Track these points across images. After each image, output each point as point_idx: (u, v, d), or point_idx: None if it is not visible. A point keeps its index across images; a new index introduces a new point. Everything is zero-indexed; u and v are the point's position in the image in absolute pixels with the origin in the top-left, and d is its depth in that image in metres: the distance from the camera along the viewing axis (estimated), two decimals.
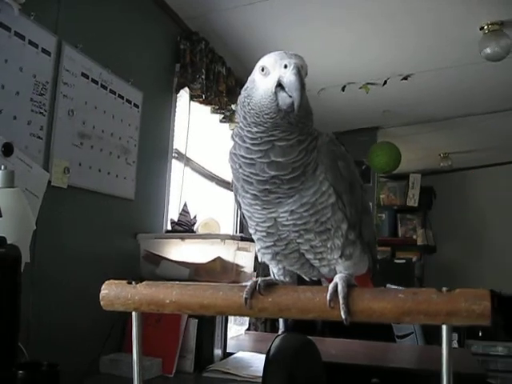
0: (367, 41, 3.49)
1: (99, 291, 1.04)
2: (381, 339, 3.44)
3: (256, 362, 2.51)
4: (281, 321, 3.50)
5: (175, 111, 3.11)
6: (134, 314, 1.00)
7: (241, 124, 1.07)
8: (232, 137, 1.11)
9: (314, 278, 1.23)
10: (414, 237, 6.70)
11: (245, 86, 1.09)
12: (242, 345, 3.06)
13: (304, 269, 1.16)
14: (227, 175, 3.92)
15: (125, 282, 1.00)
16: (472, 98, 4.50)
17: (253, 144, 1.04)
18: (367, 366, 2.58)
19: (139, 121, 2.67)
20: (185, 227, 2.88)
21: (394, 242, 6.62)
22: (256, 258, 2.80)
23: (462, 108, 4.77)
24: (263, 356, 2.52)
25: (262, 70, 1.04)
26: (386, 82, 4.05)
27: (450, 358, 0.81)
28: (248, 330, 3.53)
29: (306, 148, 1.04)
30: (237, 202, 1.18)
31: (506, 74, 3.89)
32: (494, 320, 5.34)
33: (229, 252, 2.61)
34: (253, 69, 1.08)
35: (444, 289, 0.84)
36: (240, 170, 1.07)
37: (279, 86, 1.00)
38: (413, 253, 6.50)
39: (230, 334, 2.91)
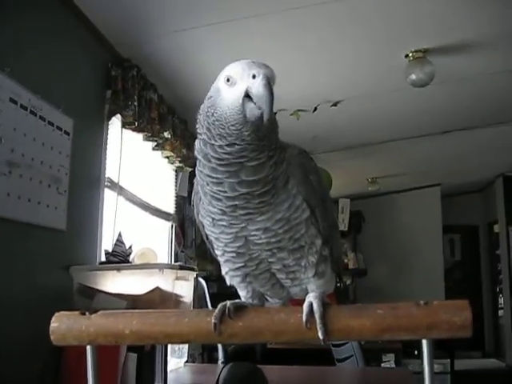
0: (297, 70, 3.54)
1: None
2: (320, 363, 3.42)
3: None
4: (220, 351, 3.41)
5: (107, 139, 3.03)
6: (88, 348, 0.91)
7: (204, 136, 1.02)
8: (195, 153, 1.05)
9: (281, 300, 1.18)
10: (346, 261, 6.80)
11: (208, 95, 1.04)
12: (182, 377, 2.95)
13: (274, 289, 1.11)
14: (161, 204, 3.83)
15: (77, 312, 0.92)
16: (399, 123, 4.67)
17: (219, 165, 0.98)
18: None
19: (70, 148, 2.57)
20: (120, 258, 2.77)
21: None
22: (195, 287, 2.74)
23: (389, 133, 4.94)
24: None
25: (228, 80, 0.99)
26: (316, 109, 4.12)
27: (432, 374, 0.79)
28: (187, 362, 3.42)
29: (276, 161, 1.00)
30: (199, 223, 1.12)
31: (432, 100, 4.07)
32: None
33: (167, 282, 2.52)
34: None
35: (421, 302, 0.82)
36: (208, 188, 1.02)
37: (247, 96, 0.96)
38: (345, 277, 6.59)
39: (169, 367, 2.81)
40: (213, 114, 1.00)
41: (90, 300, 2.47)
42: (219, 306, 0.94)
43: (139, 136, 3.33)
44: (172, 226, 4.11)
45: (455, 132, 4.92)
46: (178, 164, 3.91)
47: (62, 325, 0.91)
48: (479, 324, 8.41)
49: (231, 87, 0.98)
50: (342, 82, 3.80)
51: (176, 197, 4.18)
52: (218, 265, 1.12)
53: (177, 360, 3.31)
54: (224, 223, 1.02)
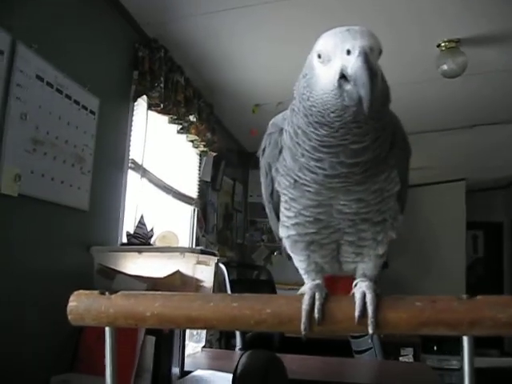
0: None
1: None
2: (339, 355, 3.39)
3: (215, 380, 2.42)
4: (238, 337, 3.40)
5: (132, 120, 3.00)
6: (107, 329, 0.88)
7: (301, 121, 0.90)
8: (291, 124, 0.94)
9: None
10: None
11: (303, 72, 0.91)
12: (200, 362, 2.95)
13: (332, 263, 1.04)
14: (184, 188, 3.81)
15: (96, 292, 0.89)
16: (428, 114, 4.56)
17: (321, 145, 0.88)
18: (327, 383, 2.52)
19: (95, 128, 2.55)
20: (141, 240, 2.76)
21: None
22: (216, 272, 2.71)
23: (416, 125, 4.82)
24: (222, 374, 2.42)
25: (319, 56, 0.85)
26: None
27: (473, 373, 0.74)
28: (204, 347, 3.42)
29: (380, 144, 0.91)
30: (264, 174, 1.04)
31: (463, 92, 3.97)
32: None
33: (188, 266, 2.51)
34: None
35: (464, 296, 0.77)
36: (302, 160, 0.92)
37: (343, 77, 0.82)
38: None
39: (187, 352, 2.80)
40: (308, 99, 0.88)
41: (110, 281, 2.47)
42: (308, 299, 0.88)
43: (164, 119, 3.31)
44: (194, 210, 4.10)
45: (484, 126, 4.80)
46: (202, 148, 3.88)
47: (81, 304, 0.88)
48: None
49: (324, 65, 0.85)
50: None
51: (199, 181, 4.16)
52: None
53: (194, 344, 3.32)
54: (310, 189, 0.93)
